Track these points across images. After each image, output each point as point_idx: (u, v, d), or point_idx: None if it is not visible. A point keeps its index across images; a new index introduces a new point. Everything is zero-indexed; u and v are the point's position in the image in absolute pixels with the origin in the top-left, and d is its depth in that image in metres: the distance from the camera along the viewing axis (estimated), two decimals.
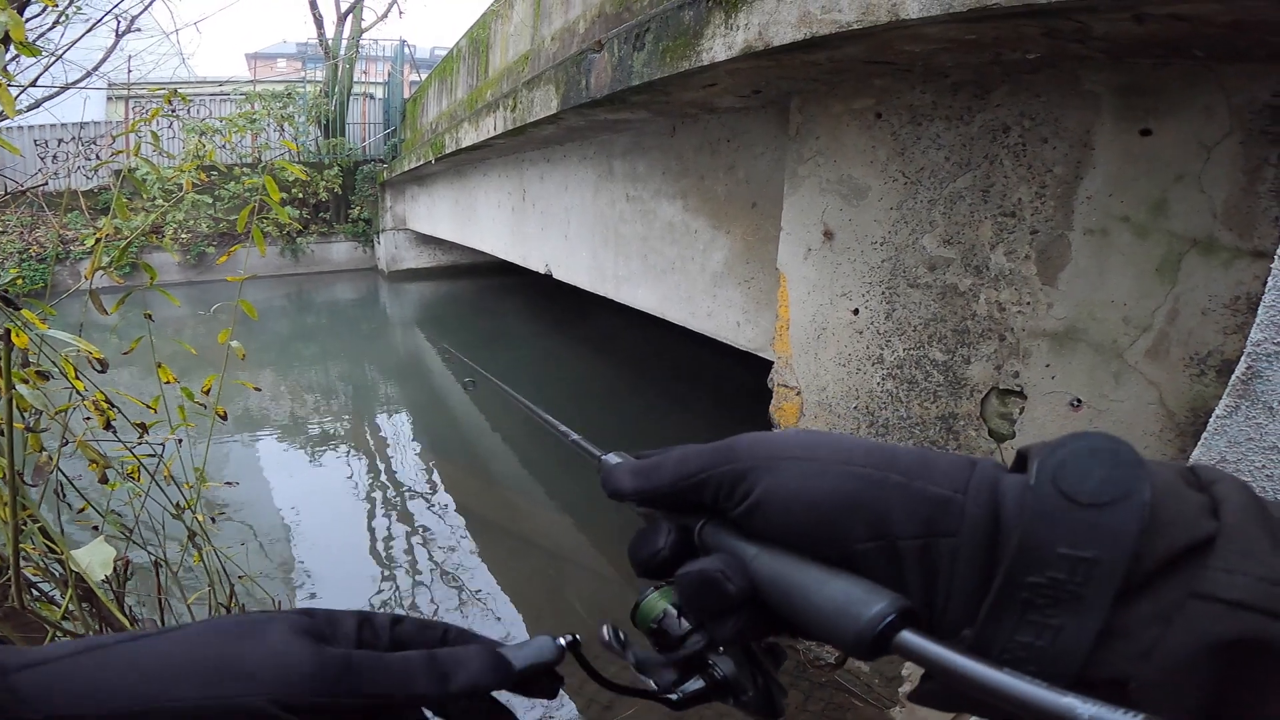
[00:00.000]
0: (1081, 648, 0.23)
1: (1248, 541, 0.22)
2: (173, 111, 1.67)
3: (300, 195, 12.60)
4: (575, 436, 0.45)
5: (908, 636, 0.24)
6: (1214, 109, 1.37)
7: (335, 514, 4.12)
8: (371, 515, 4.15)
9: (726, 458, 0.29)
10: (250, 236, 1.56)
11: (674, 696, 0.36)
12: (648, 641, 0.38)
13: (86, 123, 11.34)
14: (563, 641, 0.35)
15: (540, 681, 0.34)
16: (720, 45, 1.90)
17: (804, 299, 2.28)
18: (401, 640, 0.32)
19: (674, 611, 0.37)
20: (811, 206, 2.20)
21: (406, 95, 12.75)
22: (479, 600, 3.22)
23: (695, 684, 0.36)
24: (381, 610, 0.32)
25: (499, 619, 3.08)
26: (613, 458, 0.36)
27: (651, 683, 0.36)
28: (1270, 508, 0.24)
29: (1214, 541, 0.22)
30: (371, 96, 14.16)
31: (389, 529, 3.96)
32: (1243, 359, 0.86)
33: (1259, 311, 0.85)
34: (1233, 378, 0.87)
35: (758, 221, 2.80)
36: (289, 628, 0.28)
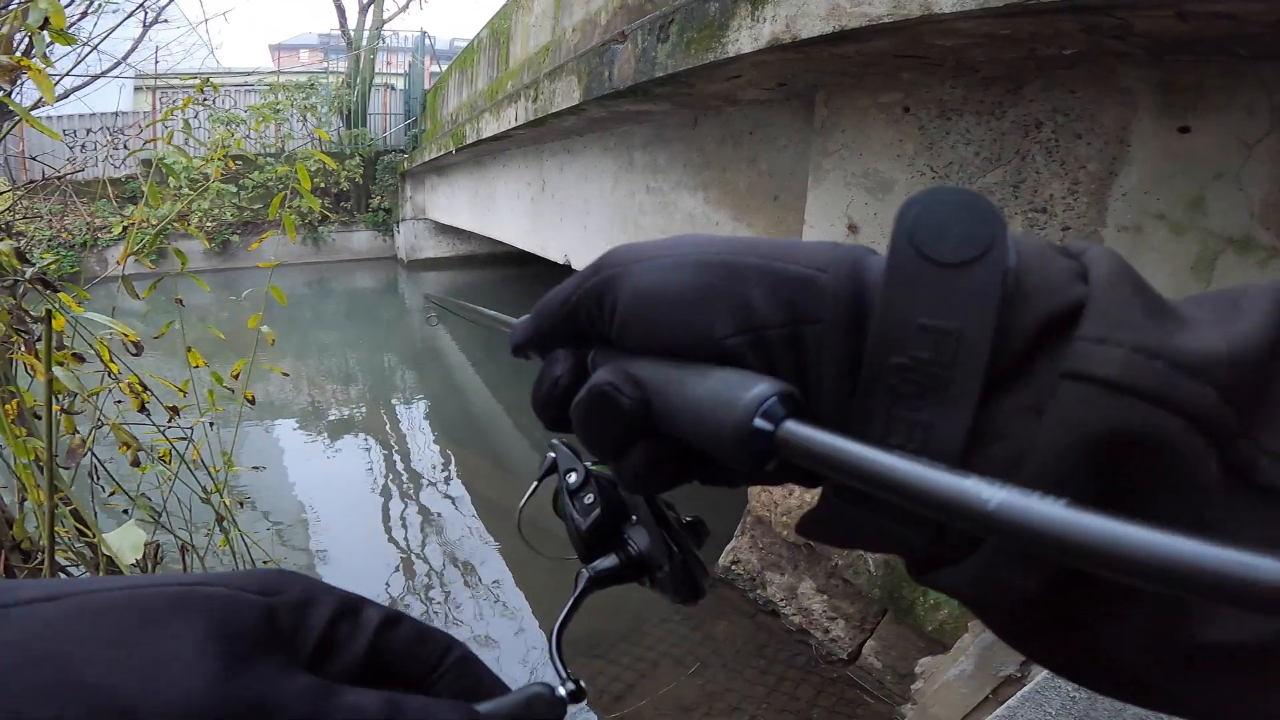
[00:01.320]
0: (953, 449, 0.20)
1: (1120, 307, 0.19)
2: (204, 100, 1.69)
3: (322, 185, 12.71)
4: (492, 312, 0.41)
5: (793, 427, 0.20)
6: (1255, 107, 1.33)
7: (352, 501, 4.17)
8: (388, 503, 4.19)
9: (591, 273, 0.26)
10: (276, 224, 1.58)
11: (586, 574, 0.33)
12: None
13: (116, 113, 11.52)
14: (563, 692, 0.26)
15: None
16: (746, 37, 1.88)
17: None
18: (386, 650, 0.24)
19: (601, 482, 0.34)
20: (836, 200, 2.18)
21: (427, 86, 12.79)
22: (491, 591, 3.25)
23: (607, 562, 0.33)
24: (388, 604, 0.25)
25: (508, 609, 3.10)
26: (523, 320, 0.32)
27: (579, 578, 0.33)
28: (1145, 282, 0.20)
29: (1084, 309, 0.19)
30: (392, 87, 14.21)
31: (405, 517, 4.00)
32: None
33: None
34: None
35: (780, 215, 2.78)
36: (206, 626, 0.20)
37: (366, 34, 13.51)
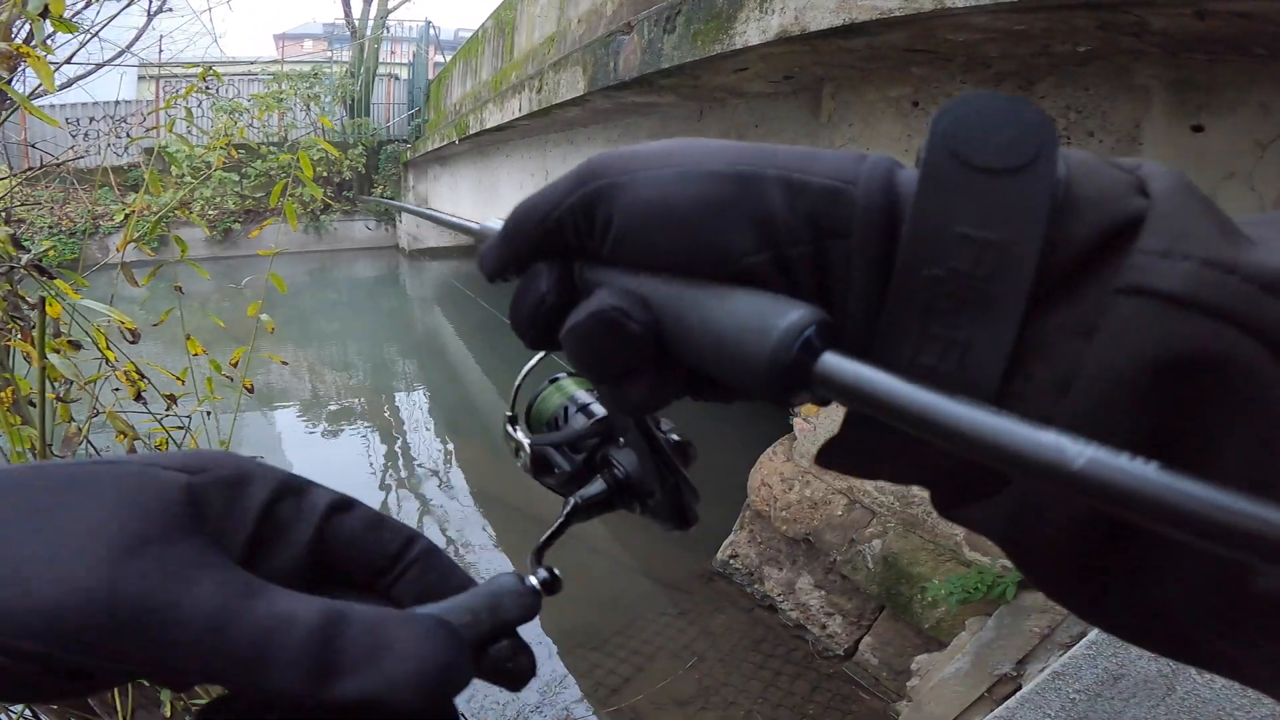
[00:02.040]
0: (992, 371, 0.18)
1: (1185, 219, 0.17)
2: (206, 89, 1.68)
3: (325, 174, 12.68)
4: (455, 219, 0.36)
5: (836, 361, 0.18)
6: (1270, 106, 1.32)
7: (350, 490, 4.12)
8: (386, 492, 4.20)
9: (575, 184, 0.23)
10: (278, 212, 1.57)
11: (573, 500, 0.30)
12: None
13: (118, 101, 11.49)
14: (534, 581, 0.24)
15: (505, 662, 0.22)
16: (754, 29, 1.86)
17: None
18: (335, 539, 0.21)
19: (578, 402, 0.32)
20: None
21: (431, 76, 12.75)
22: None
23: (595, 487, 0.31)
24: (337, 490, 0.22)
25: None
26: (494, 224, 0.27)
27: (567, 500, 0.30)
28: (1208, 198, 0.18)
29: (1143, 222, 0.17)
30: (396, 77, 14.18)
31: (403, 506, 4.01)
32: None
33: None
34: None
35: None
36: (112, 510, 0.17)
37: (371, 23, 13.46)
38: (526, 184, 6.33)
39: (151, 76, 11.49)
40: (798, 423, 2.81)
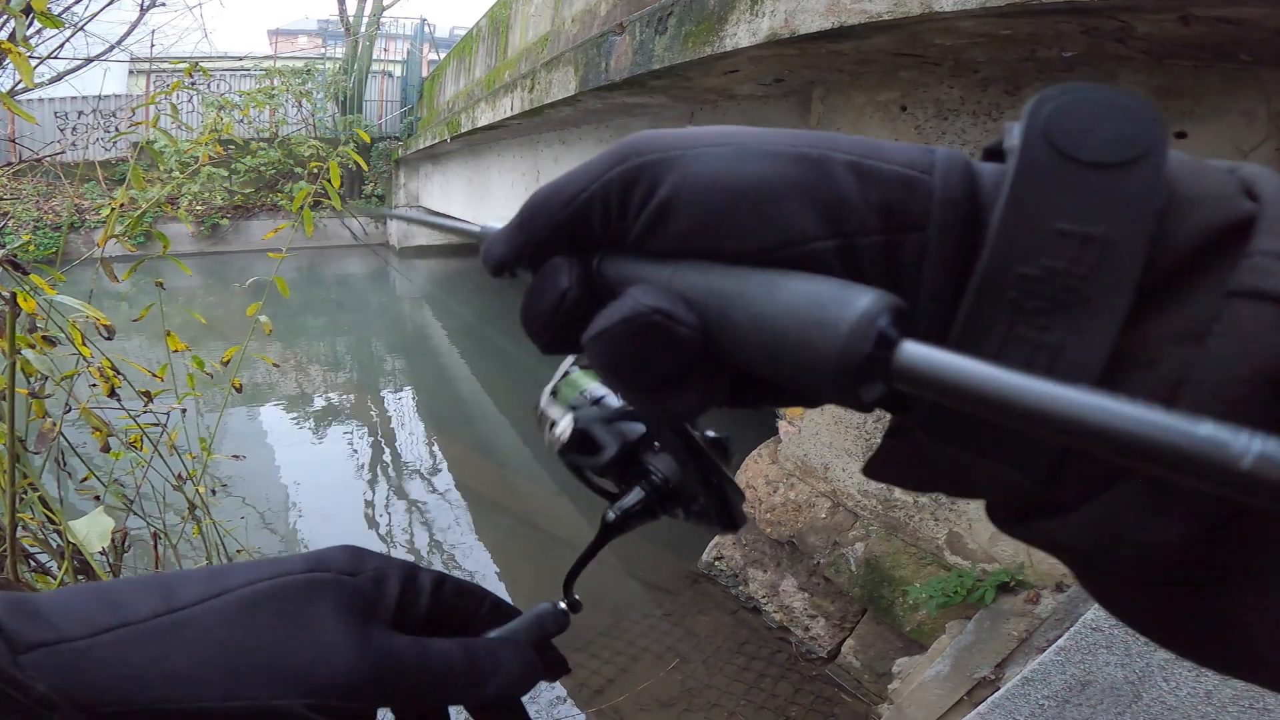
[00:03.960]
0: (1089, 377, 0.16)
1: None
2: (193, 85, 1.66)
3: (315, 170, 12.61)
4: (456, 222, 0.33)
5: (916, 350, 0.16)
6: (1253, 113, 1.33)
7: (336, 489, 4.14)
8: (372, 491, 4.17)
9: (612, 161, 0.21)
10: (270, 209, 1.55)
11: (610, 516, 0.29)
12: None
13: (106, 95, 11.37)
14: (563, 605, 0.31)
15: (551, 665, 0.31)
16: (744, 31, 1.86)
17: None
18: (440, 607, 0.29)
19: (590, 396, 0.30)
20: None
21: (425, 74, 12.70)
22: (476, 581, 3.23)
23: (634, 497, 0.29)
24: (427, 567, 0.30)
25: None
26: (495, 225, 0.26)
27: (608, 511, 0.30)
28: None
29: (1254, 225, 0.16)
30: (390, 74, 14.11)
31: (389, 506, 3.98)
32: None
33: None
34: None
35: None
36: (334, 605, 0.26)
37: (365, 20, 13.40)
38: (518, 184, 6.31)
39: (142, 71, 11.40)
40: (782, 426, 2.81)
